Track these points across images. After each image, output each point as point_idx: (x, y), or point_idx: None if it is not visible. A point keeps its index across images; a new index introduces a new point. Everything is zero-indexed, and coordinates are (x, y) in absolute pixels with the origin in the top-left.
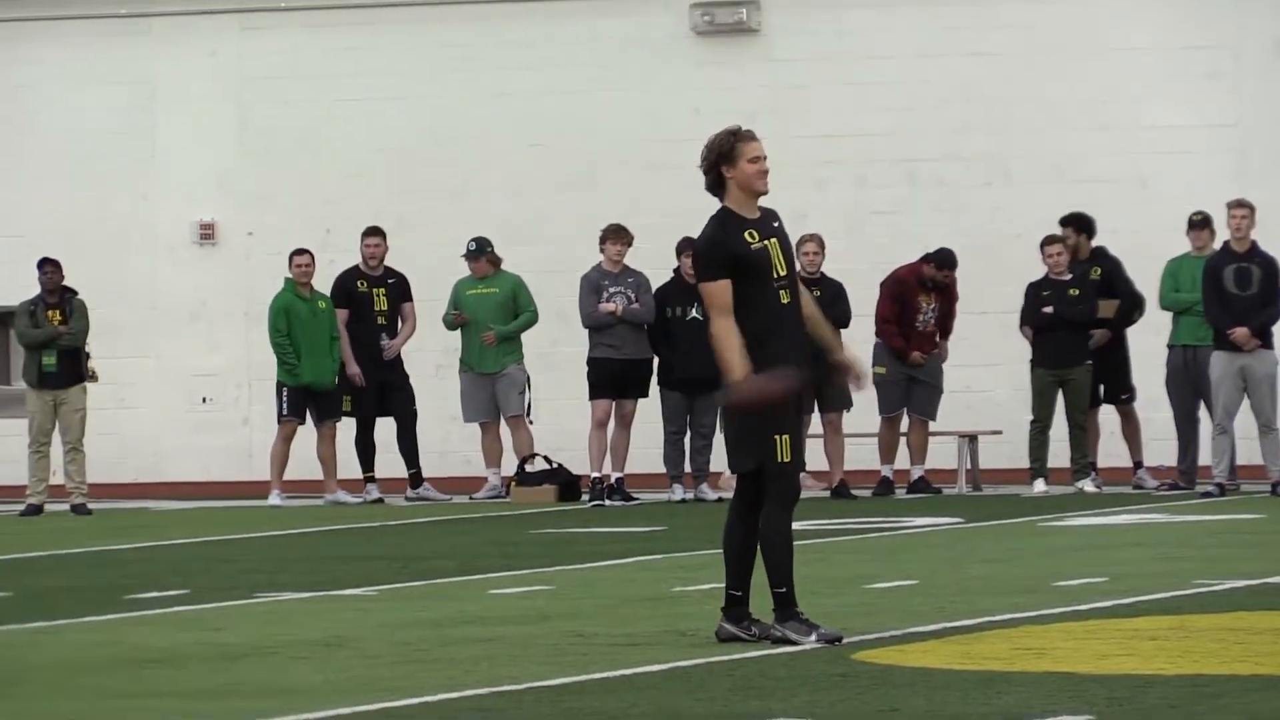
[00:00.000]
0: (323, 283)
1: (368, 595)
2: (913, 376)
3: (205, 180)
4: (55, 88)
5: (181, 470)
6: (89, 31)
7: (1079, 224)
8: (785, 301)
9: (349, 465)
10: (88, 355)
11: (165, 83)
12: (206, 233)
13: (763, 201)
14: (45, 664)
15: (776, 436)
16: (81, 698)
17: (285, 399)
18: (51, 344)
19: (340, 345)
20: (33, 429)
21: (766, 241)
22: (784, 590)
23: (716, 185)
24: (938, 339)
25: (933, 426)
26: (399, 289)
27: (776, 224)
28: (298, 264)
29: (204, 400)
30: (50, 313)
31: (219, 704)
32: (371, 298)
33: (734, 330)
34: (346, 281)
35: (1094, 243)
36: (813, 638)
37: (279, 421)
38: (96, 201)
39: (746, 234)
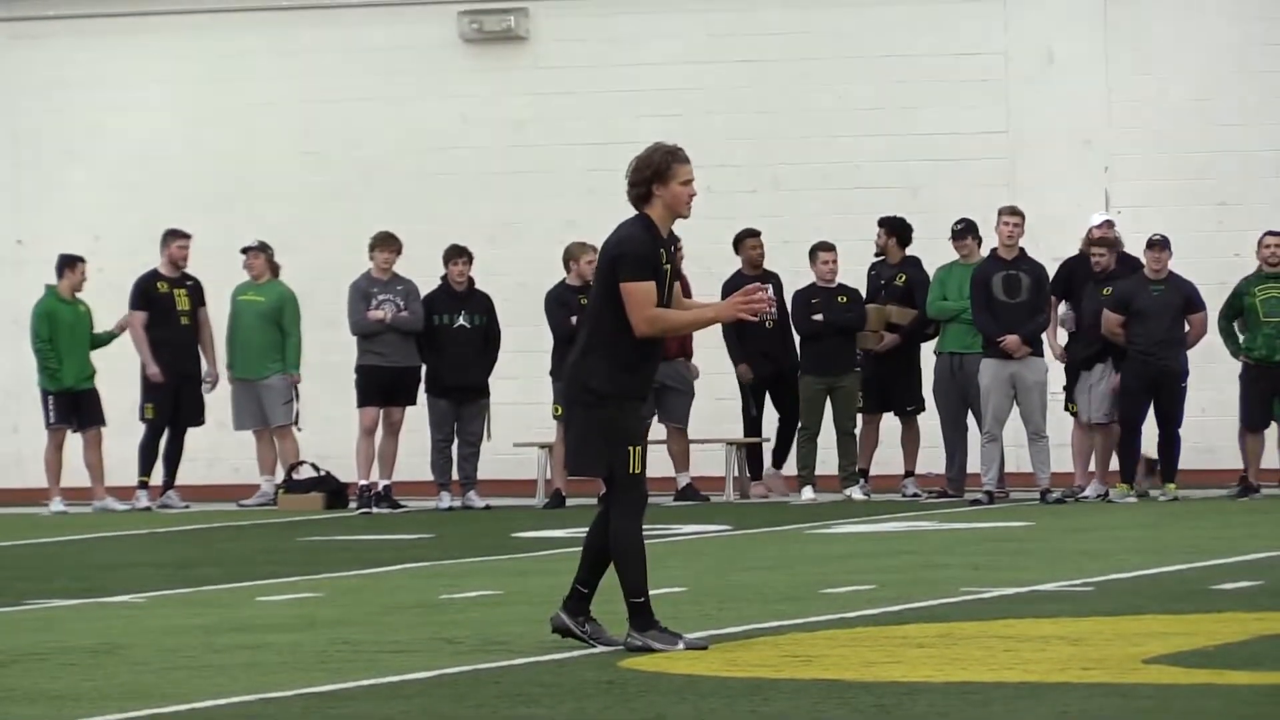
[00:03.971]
0: (89, 290)
1: (137, 601)
2: (664, 383)
3: None
4: None
5: None
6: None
7: (892, 227)
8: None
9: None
10: None
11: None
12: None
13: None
14: None
15: (629, 448)
16: None
17: (52, 406)
18: None
19: (140, 347)
20: None
21: (665, 266)
22: (640, 600)
23: (642, 199)
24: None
25: (702, 434)
26: (198, 291)
27: (675, 248)
28: (79, 270)
29: None
30: None
31: None
32: (173, 298)
33: (666, 311)
34: (146, 284)
35: (908, 251)
36: (680, 645)
37: (47, 429)
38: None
39: (661, 250)
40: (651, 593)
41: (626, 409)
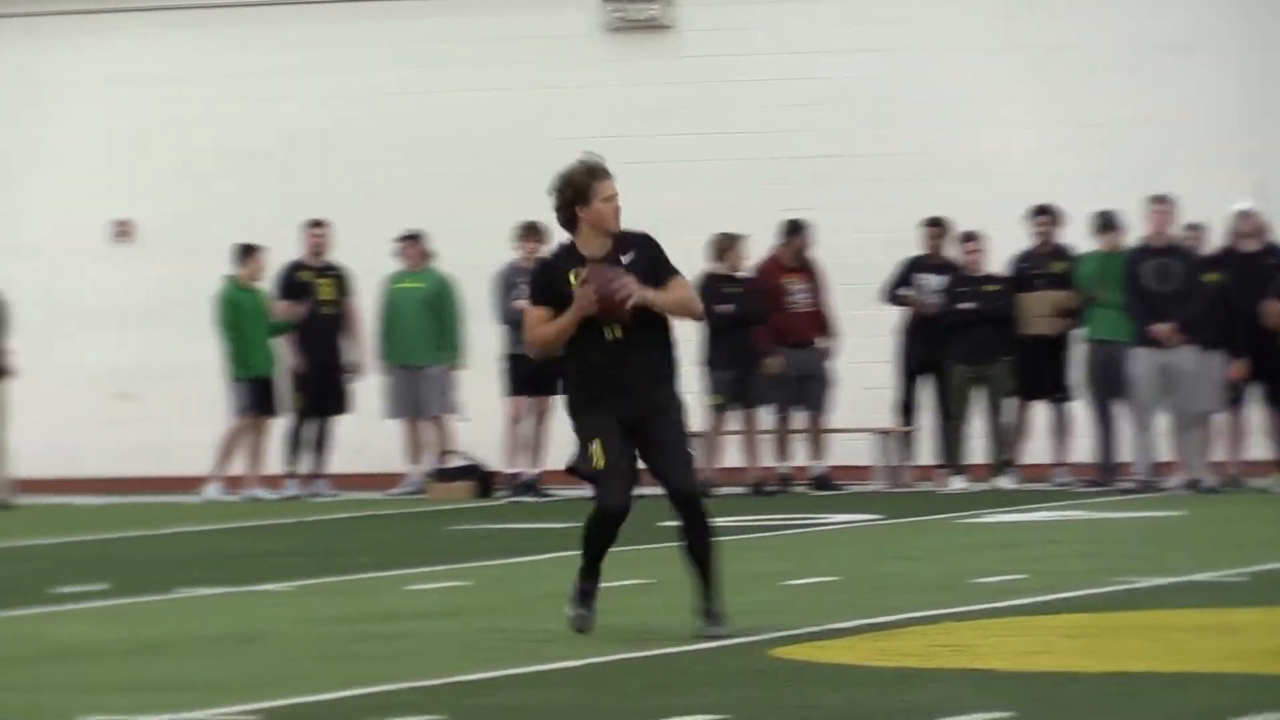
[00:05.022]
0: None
1: (285, 590)
2: (804, 372)
3: (121, 180)
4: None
5: (101, 466)
6: None
7: (1054, 215)
8: (610, 339)
9: (270, 459)
10: (6, 351)
11: (57, 81)
12: (122, 230)
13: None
14: None
15: (590, 444)
16: (3, 691)
17: (238, 393)
18: None
19: (283, 337)
20: None
21: (570, 288)
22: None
23: (569, 222)
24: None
25: (847, 422)
26: (342, 280)
27: (628, 258)
28: (257, 258)
29: (122, 396)
30: None
31: (136, 697)
32: (315, 287)
33: (545, 328)
34: (289, 273)
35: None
36: (568, 613)
37: (231, 415)
38: (8, 201)
39: (573, 274)
40: (802, 582)
41: (592, 412)
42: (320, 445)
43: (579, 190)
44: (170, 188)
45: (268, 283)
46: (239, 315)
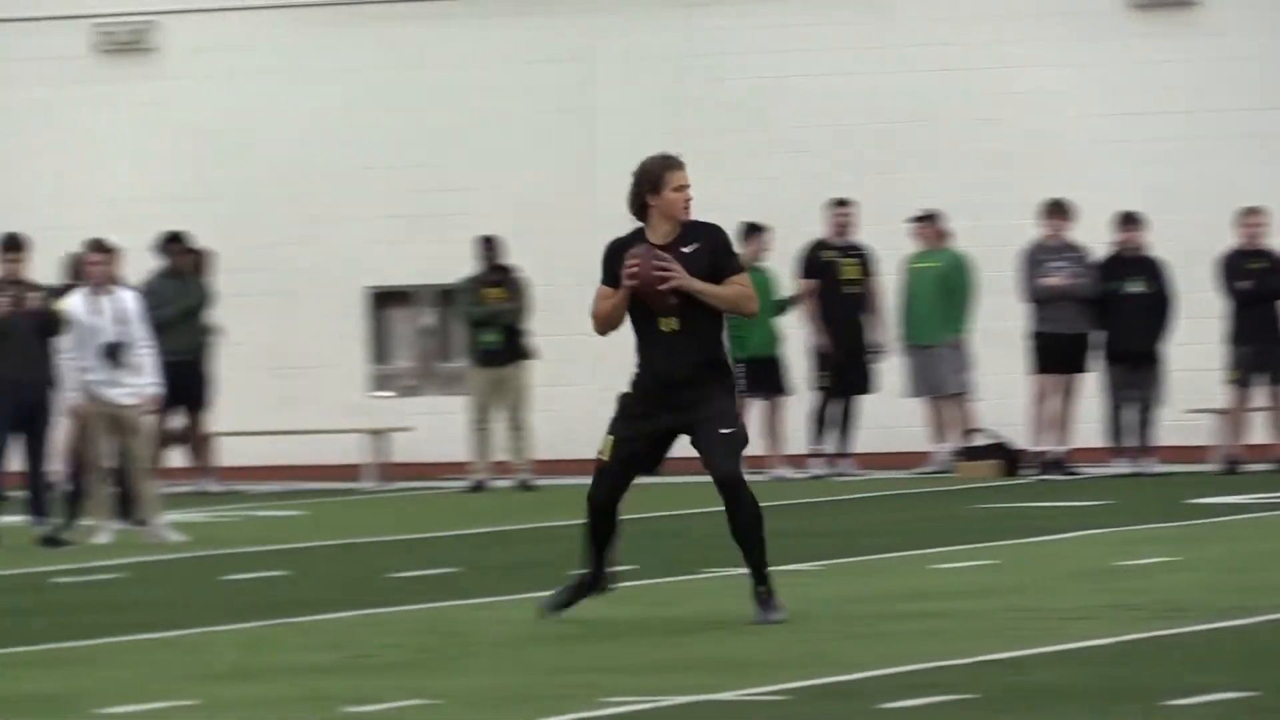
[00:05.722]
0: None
1: (811, 570)
2: None
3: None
4: (492, 67)
5: None
6: (525, 10)
7: None
8: (666, 330)
9: (794, 439)
10: (528, 333)
11: (606, 60)
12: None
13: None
14: (492, 638)
15: (608, 437)
16: (528, 671)
17: (739, 374)
18: (493, 321)
19: (809, 316)
20: (475, 406)
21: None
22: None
23: (640, 211)
24: None
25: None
26: (866, 260)
27: (690, 248)
28: (761, 239)
29: None
30: (490, 290)
31: (663, 678)
32: (838, 267)
33: (597, 308)
34: (812, 252)
35: None
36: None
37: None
38: (539, 180)
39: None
40: None
41: (628, 403)
42: (845, 425)
43: (654, 178)
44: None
45: (773, 262)
46: None
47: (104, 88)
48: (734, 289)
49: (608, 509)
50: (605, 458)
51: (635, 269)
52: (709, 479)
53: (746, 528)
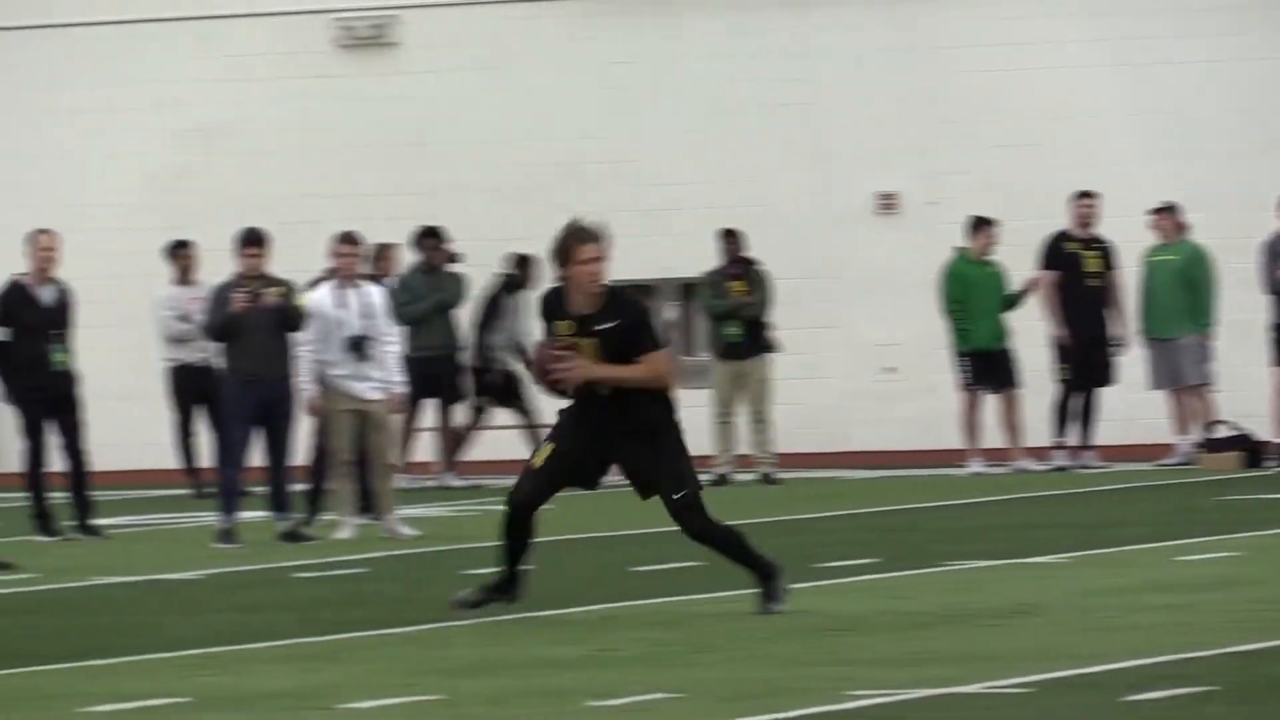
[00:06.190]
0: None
1: (1054, 562)
2: None
3: (885, 151)
4: (725, 61)
5: (866, 439)
6: (750, 5)
7: None
8: (603, 394)
9: (1035, 431)
10: (770, 326)
11: (839, 54)
12: (887, 203)
13: None
14: (734, 632)
15: (547, 443)
16: (772, 665)
17: (966, 367)
18: (735, 315)
19: (1050, 308)
20: (717, 400)
21: (575, 339)
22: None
23: (562, 277)
24: None
25: None
26: (1108, 253)
27: (605, 325)
28: (989, 233)
29: (888, 370)
30: (733, 284)
31: (907, 671)
32: (1080, 259)
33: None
34: (1054, 244)
35: None
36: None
37: (963, 390)
38: (774, 173)
39: (564, 325)
40: None
41: (568, 420)
42: (1087, 417)
43: (563, 251)
44: (932, 160)
45: (999, 255)
46: (966, 289)
47: (344, 82)
48: (643, 369)
49: (523, 512)
50: (536, 463)
51: (538, 372)
52: (932, 474)
53: (737, 560)
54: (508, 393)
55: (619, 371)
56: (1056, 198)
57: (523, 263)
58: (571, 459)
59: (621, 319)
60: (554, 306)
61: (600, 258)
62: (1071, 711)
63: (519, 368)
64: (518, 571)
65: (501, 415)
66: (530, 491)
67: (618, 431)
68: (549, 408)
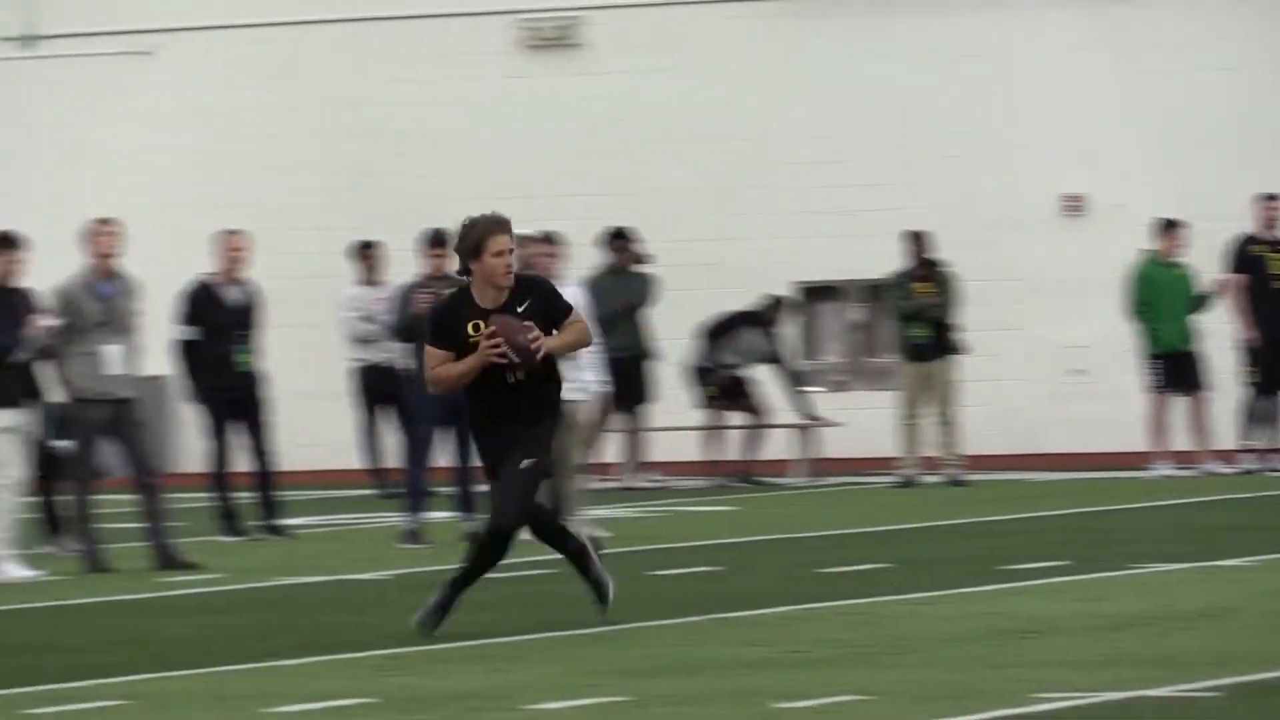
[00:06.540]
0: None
1: (1247, 565)
2: None
3: (1070, 152)
4: (907, 62)
5: (1054, 441)
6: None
7: None
8: (513, 381)
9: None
10: (957, 327)
11: (1023, 54)
12: (1073, 205)
13: None
14: (924, 634)
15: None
16: (961, 668)
17: (1154, 369)
18: (921, 316)
19: (1237, 310)
20: (903, 401)
21: (472, 335)
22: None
23: (466, 271)
24: None
25: None
26: None
27: (524, 305)
28: (1178, 234)
29: (1077, 372)
30: (919, 285)
31: (1099, 674)
32: (1265, 261)
33: (443, 369)
34: (1240, 246)
35: None
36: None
37: (1151, 392)
38: (961, 175)
39: (471, 325)
40: None
41: (479, 434)
42: (1276, 419)
43: (473, 243)
44: (1119, 161)
45: (1188, 257)
46: (1154, 291)
47: (529, 83)
48: (573, 333)
49: (513, 534)
50: (504, 489)
51: (500, 344)
52: (1120, 477)
53: (552, 545)
54: (738, 394)
55: (565, 340)
56: (1238, 200)
57: (776, 305)
58: (514, 457)
59: (534, 295)
60: (457, 313)
61: (513, 249)
62: (1263, 716)
63: (748, 372)
64: (459, 601)
65: (733, 417)
66: (523, 510)
67: (528, 415)
68: (778, 408)
